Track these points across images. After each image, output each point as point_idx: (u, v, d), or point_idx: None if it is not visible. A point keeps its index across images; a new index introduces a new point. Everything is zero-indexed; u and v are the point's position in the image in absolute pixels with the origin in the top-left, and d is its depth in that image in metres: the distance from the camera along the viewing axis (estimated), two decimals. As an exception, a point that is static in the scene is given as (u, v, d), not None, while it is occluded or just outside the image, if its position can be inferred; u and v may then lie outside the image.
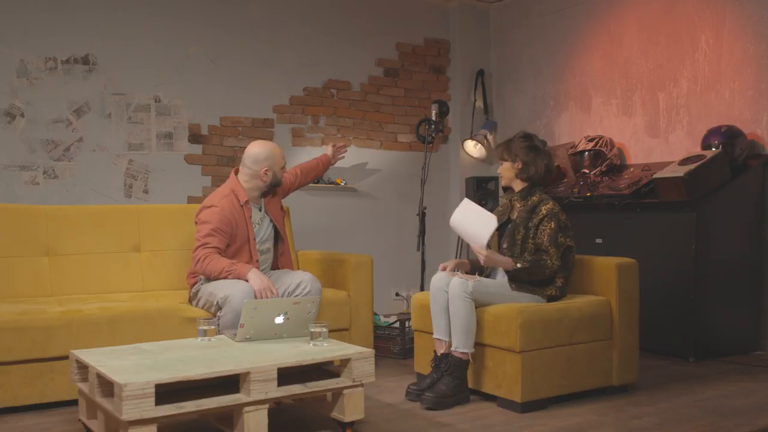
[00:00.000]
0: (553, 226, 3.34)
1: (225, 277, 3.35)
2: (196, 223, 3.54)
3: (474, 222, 3.39)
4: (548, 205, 3.40)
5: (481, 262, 3.37)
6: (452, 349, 3.29)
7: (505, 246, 3.46)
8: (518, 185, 3.52)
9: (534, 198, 3.46)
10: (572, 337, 3.30)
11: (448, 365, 3.28)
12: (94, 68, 4.72)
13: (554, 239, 3.34)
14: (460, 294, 3.25)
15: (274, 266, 3.75)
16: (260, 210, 3.66)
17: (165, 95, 4.96)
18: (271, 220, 3.69)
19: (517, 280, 3.35)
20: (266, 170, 3.55)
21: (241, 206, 3.54)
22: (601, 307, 3.42)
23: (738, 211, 4.34)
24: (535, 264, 3.30)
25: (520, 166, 3.47)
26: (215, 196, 3.55)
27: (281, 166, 3.63)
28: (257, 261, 3.56)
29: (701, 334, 4.19)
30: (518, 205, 3.51)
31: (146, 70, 4.88)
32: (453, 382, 3.25)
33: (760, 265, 4.43)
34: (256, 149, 3.57)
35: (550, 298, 3.39)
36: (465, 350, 3.26)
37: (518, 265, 3.30)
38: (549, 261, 3.31)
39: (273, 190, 3.72)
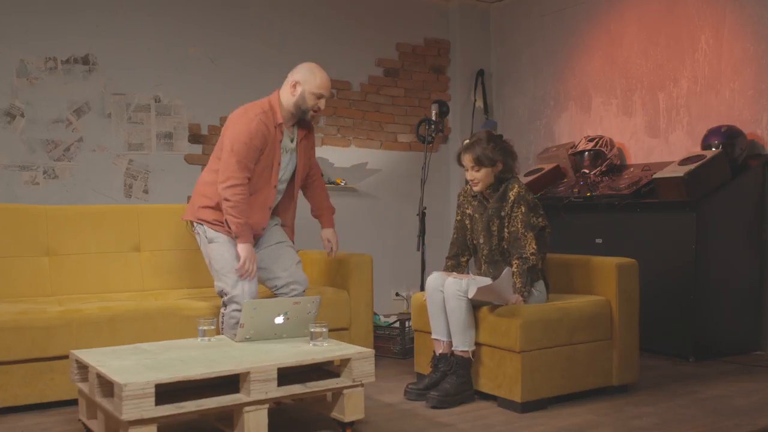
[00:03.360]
0: (523, 209, 3.36)
1: (235, 230, 3.18)
2: (223, 133, 3.29)
3: (492, 289, 3.25)
4: (514, 189, 3.40)
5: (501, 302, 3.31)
6: (453, 348, 3.29)
7: (482, 240, 3.47)
8: (493, 184, 3.49)
9: (502, 185, 3.46)
10: (572, 337, 3.30)
11: (451, 365, 3.29)
12: (94, 68, 4.72)
13: (527, 223, 3.35)
14: (455, 293, 3.26)
15: (282, 214, 3.53)
16: (291, 141, 3.40)
17: (165, 95, 4.96)
18: (295, 163, 3.44)
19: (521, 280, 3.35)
20: (296, 84, 3.29)
21: (275, 127, 3.29)
22: (601, 307, 3.42)
23: (738, 211, 4.34)
24: (524, 271, 3.30)
25: (501, 167, 3.45)
26: (255, 108, 3.29)
27: (315, 94, 3.28)
28: (274, 187, 3.35)
29: (701, 334, 4.19)
30: (490, 195, 3.49)
31: (146, 70, 4.88)
32: (457, 380, 3.26)
33: (760, 265, 4.43)
34: (299, 64, 3.36)
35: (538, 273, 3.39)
36: (466, 348, 3.27)
37: (525, 292, 3.28)
38: (528, 251, 3.31)
39: (307, 127, 3.46)
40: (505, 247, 3.40)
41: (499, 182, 3.47)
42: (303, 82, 3.29)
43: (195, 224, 3.38)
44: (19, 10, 4.50)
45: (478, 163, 3.42)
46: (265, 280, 3.43)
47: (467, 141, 3.56)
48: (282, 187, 3.44)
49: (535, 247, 3.33)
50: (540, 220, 3.43)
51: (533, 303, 3.32)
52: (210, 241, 3.31)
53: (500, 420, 3.05)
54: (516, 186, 3.42)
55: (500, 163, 3.44)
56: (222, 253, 3.27)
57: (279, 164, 3.33)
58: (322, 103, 3.33)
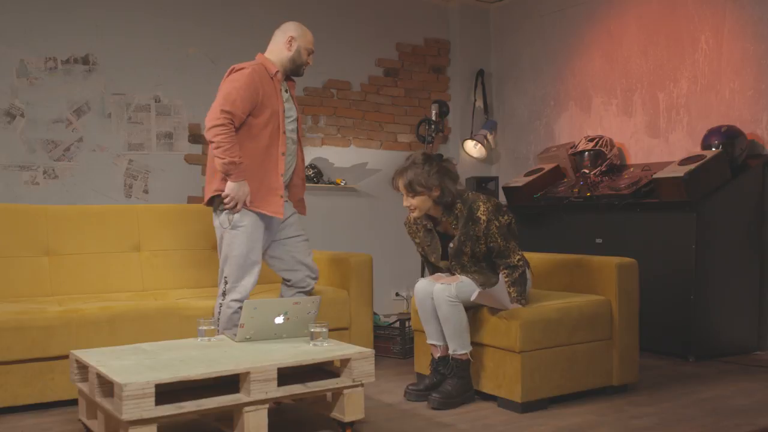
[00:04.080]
0: (497, 224, 3.21)
1: (224, 170, 3.15)
2: (222, 83, 3.36)
3: (491, 294, 3.25)
4: (481, 209, 3.21)
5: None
6: (451, 353, 3.28)
7: (453, 263, 3.32)
8: (437, 210, 3.28)
9: (458, 206, 3.25)
10: (572, 337, 3.30)
11: (451, 368, 3.28)
12: (94, 68, 4.72)
13: (506, 235, 3.23)
14: (446, 299, 3.22)
15: (293, 187, 3.52)
16: (286, 92, 3.45)
17: (165, 95, 4.96)
18: (295, 111, 3.46)
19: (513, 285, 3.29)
20: (291, 38, 3.41)
21: (271, 77, 3.34)
22: (601, 307, 3.42)
23: (738, 211, 4.34)
24: (516, 280, 3.24)
25: (438, 193, 3.21)
26: (244, 65, 3.35)
27: (308, 50, 3.45)
28: (284, 133, 3.34)
29: (701, 334, 4.19)
30: (450, 220, 3.29)
31: (146, 70, 4.88)
32: (458, 382, 3.25)
33: (760, 265, 4.43)
34: (286, 22, 3.49)
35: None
36: (463, 351, 3.26)
37: (523, 300, 3.26)
38: (513, 259, 3.25)
39: (294, 84, 3.56)
40: (480, 259, 3.30)
41: (445, 207, 3.26)
42: (297, 37, 3.43)
43: (220, 210, 3.31)
44: (19, 10, 4.50)
45: (411, 189, 3.21)
46: (280, 270, 3.48)
47: (401, 165, 3.31)
48: (293, 136, 3.44)
49: (519, 253, 3.29)
50: (506, 218, 3.26)
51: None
52: (234, 227, 3.27)
53: (500, 420, 3.05)
54: (480, 204, 3.23)
55: (437, 189, 3.20)
56: (243, 241, 3.27)
57: (284, 111, 3.36)
58: (311, 59, 3.51)
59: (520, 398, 3.13)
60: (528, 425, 2.98)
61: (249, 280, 3.28)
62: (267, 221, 3.35)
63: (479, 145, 6.03)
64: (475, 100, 6.20)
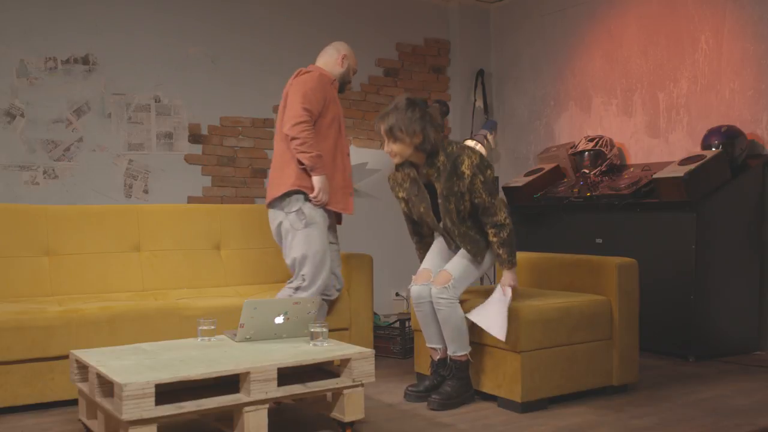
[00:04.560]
0: (482, 179, 3.13)
1: (310, 164, 3.37)
2: (292, 84, 3.51)
3: (486, 309, 3.26)
4: (465, 163, 3.13)
5: (515, 286, 3.30)
6: (450, 354, 3.28)
7: (428, 220, 3.32)
8: (419, 157, 3.21)
9: (441, 158, 3.17)
10: (572, 336, 3.30)
11: (450, 370, 3.28)
12: (94, 68, 4.72)
13: (490, 190, 3.17)
14: (446, 302, 3.20)
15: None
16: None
17: (165, 95, 4.96)
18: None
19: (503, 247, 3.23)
20: (344, 56, 3.67)
21: (331, 84, 3.61)
22: (601, 306, 3.42)
23: (738, 211, 4.34)
24: (505, 240, 3.19)
25: (419, 140, 3.15)
26: (310, 67, 3.60)
27: (354, 70, 3.77)
28: (345, 136, 3.64)
29: (701, 334, 4.19)
30: (431, 172, 3.22)
31: (146, 69, 4.88)
32: (457, 383, 3.25)
33: (760, 265, 4.43)
34: (338, 41, 3.75)
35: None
36: (463, 352, 3.26)
37: (513, 260, 3.25)
38: (500, 217, 3.17)
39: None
40: (466, 217, 3.23)
41: (428, 156, 3.19)
42: (348, 56, 3.71)
43: (293, 210, 3.44)
44: (19, 9, 4.50)
45: (391, 134, 3.15)
46: None
47: (384, 109, 3.25)
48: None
49: (506, 211, 3.18)
50: (490, 172, 3.18)
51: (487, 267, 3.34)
52: (307, 225, 3.43)
53: (500, 420, 3.05)
54: (465, 158, 3.13)
55: (418, 135, 3.13)
56: (320, 238, 3.46)
57: (342, 116, 3.65)
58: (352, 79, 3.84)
59: (520, 398, 3.13)
60: (528, 425, 2.98)
61: (324, 274, 3.49)
62: (327, 220, 3.56)
63: (479, 145, 6.02)
64: (475, 100, 6.20)
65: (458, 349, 3.25)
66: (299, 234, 3.42)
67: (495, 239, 3.21)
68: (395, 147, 3.18)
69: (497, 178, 3.26)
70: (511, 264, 3.26)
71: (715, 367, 4.02)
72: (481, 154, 3.21)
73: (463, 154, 3.15)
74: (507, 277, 3.28)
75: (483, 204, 3.18)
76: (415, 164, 3.28)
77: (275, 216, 3.51)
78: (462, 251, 3.31)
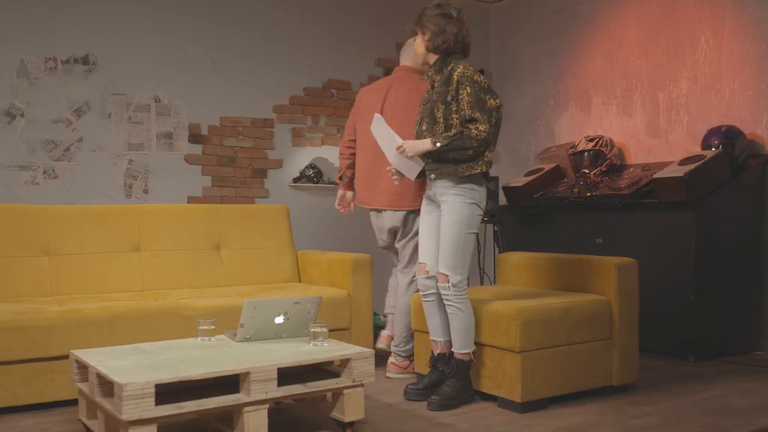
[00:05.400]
0: (469, 90, 3.07)
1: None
2: None
3: (386, 137, 3.31)
4: (459, 69, 3.12)
5: (407, 155, 3.17)
6: (455, 351, 3.27)
7: (424, 128, 3.24)
8: (432, 58, 3.26)
9: (448, 68, 3.20)
10: (572, 336, 3.30)
11: (452, 368, 3.27)
12: (94, 68, 4.73)
13: (476, 103, 3.05)
14: (454, 297, 3.17)
15: None
16: None
17: (165, 95, 4.96)
18: None
19: (442, 160, 3.13)
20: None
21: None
22: (601, 306, 3.42)
23: (738, 211, 4.34)
24: (457, 137, 3.05)
25: (429, 37, 3.21)
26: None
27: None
28: None
29: (701, 334, 4.19)
30: (436, 79, 3.24)
31: (146, 69, 4.88)
32: (457, 383, 3.23)
33: (760, 265, 4.43)
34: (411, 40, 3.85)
35: (483, 176, 3.20)
36: (466, 351, 3.25)
37: (438, 144, 3.07)
38: (474, 130, 3.04)
39: None
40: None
41: (441, 62, 3.23)
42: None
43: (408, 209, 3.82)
44: (19, 9, 4.50)
45: (413, 28, 3.31)
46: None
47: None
48: None
49: (486, 130, 3.04)
50: (493, 101, 3.10)
51: (465, 211, 3.16)
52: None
53: (500, 420, 3.05)
54: (460, 66, 3.14)
55: (428, 32, 3.21)
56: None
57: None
58: None
59: (520, 398, 3.13)
60: (528, 425, 2.98)
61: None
62: None
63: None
64: (475, 100, 6.19)
65: (463, 347, 3.23)
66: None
67: (448, 141, 3.07)
68: (414, 45, 3.36)
69: (496, 115, 3.09)
70: (434, 145, 3.09)
71: (715, 367, 4.02)
72: (479, 71, 3.20)
73: (460, 63, 3.18)
74: (418, 142, 3.17)
75: (465, 116, 3.09)
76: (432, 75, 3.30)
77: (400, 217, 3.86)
78: (444, 224, 3.20)
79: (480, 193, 3.20)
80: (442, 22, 3.21)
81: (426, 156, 3.20)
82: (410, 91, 3.80)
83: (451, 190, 3.18)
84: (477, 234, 3.33)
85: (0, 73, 4.45)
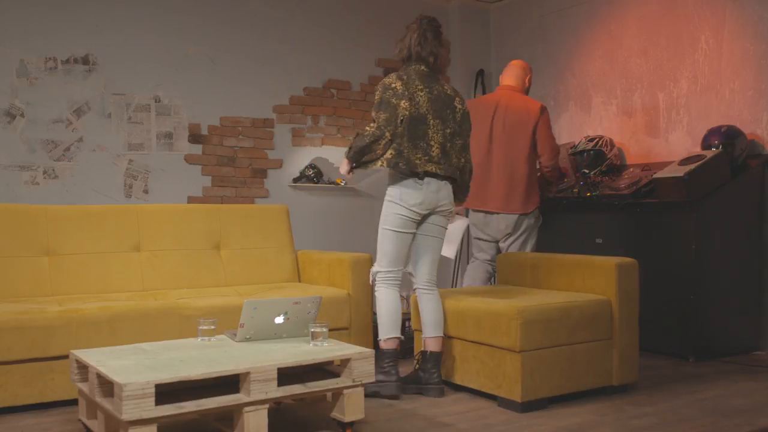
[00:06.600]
0: (376, 98, 3.39)
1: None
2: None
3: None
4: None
5: (341, 171, 3.47)
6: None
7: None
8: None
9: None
10: (572, 336, 3.30)
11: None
12: (94, 68, 4.73)
13: (375, 107, 3.37)
14: (376, 283, 3.53)
15: None
16: None
17: (165, 95, 4.96)
18: None
19: (356, 160, 3.39)
20: (529, 77, 4.58)
21: None
22: (601, 306, 3.42)
23: (738, 211, 4.34)
24: (357, 138, 3.36)
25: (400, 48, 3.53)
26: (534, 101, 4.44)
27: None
28: None
29: (701, 334, 4.19)
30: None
31: (146, 69, 4.88)
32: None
33: (759, 265, 4.44)
34: (520, 61, 4.62)
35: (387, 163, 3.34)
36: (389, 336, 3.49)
37: (347, 149, 3.40)
38: (368, 128, 3.35)
39: None
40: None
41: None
42: (530, 74, 4.65)
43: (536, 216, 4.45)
44: (19, 9, 4.50)
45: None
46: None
47: None
48: None
49: (372, 128, 3.33)
50: (380, 93, 3.41)
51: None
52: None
53: (500, 420, 3.05)
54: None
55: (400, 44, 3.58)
56: None
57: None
58: None
59: (520, 398, 3.13)
60: (528, 425, 2.98)
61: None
62: None
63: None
64: (475, 100, 6.19)
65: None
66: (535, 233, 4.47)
67: (358, 131, 3.45)
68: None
69: (391, 103, 3.33)
70: (347, 155, 3.42)
71: (715, 367, 4.02)
72: (395, 77, 3.38)
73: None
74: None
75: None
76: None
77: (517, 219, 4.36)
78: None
79: (397, 190, 3.38)
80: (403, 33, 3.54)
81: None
82: (520, 112, 4.28)
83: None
84: (400, 232, 3.43)
85: (0, 73, 4.45)
